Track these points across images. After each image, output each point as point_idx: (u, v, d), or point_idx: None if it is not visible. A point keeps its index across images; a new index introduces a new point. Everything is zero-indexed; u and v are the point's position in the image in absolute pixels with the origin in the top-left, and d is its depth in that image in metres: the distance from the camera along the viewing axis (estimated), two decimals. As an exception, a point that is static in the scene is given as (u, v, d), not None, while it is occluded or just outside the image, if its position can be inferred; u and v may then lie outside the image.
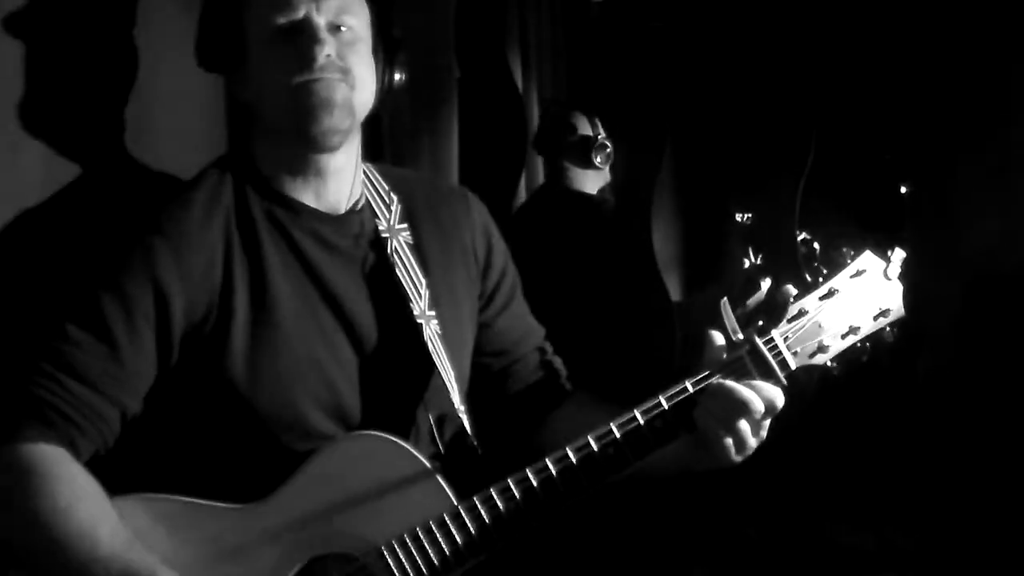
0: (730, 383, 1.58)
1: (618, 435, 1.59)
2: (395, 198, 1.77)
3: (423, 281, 1.72)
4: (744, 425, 1.57)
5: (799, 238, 1.69)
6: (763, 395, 1.58)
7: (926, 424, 3.04)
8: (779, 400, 1.60)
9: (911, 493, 3.02)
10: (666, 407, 1.60)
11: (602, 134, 3.37)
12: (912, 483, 3.02)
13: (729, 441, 1.58)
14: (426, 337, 1.68)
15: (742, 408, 1.57)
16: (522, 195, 3.64)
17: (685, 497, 2.92)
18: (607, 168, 3.41)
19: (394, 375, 1.70)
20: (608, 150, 3.37)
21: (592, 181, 3.41)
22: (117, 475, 1.56)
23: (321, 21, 1.63)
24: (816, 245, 1.70)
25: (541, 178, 3.57)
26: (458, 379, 1.73)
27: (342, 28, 1.65)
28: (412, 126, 2.99)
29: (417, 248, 1.75)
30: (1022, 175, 2.98)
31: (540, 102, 3.66)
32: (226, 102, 2.24)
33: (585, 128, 3.38)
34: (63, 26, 2.02)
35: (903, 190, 3.19)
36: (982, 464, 2.90)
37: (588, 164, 3.36)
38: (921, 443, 3.04)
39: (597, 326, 3.08)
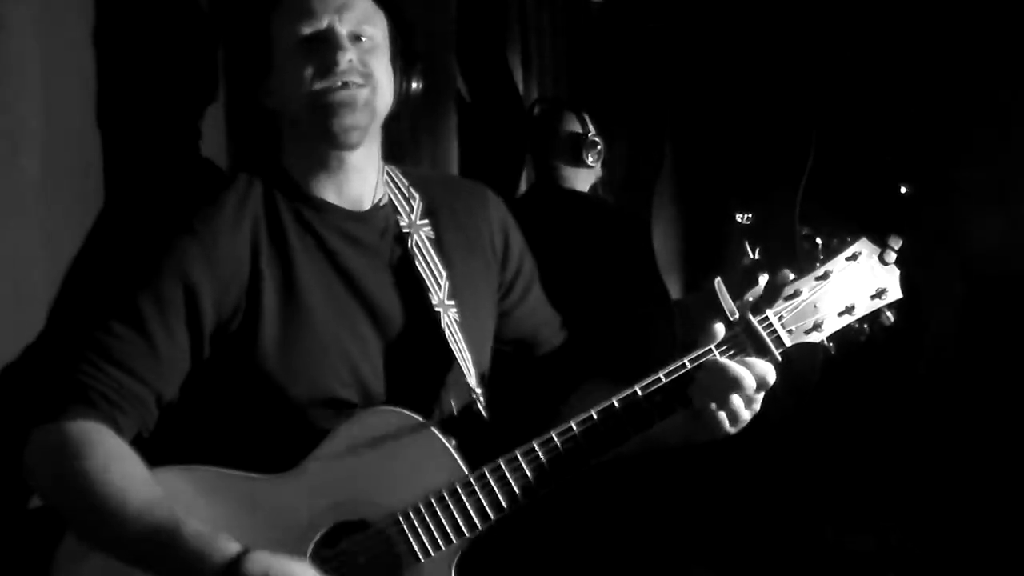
0: (722, 360, 1.66)
1: (619, 408, 1.67)
2: (416, 196, 1.87)
3: (443, 273, 1.82)
4: (736, 399, 1.64)
5: (801, 233, 1.74)
6: (755, 371, 1.65)
7: (926, 424, 3.05)
8: (771, 376, 1.66)
9: (911, 494, 3.03)
10: (665, 382, 1.67)
11: (592, 131, 3.33)
12: (912, 484, 3.03)
13: (722, 414, 1.65)
14: (444, 324, 1.78)
15: (734, 383, 1.64)
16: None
17: (686, 495, 2.92)
18: (598, 166, 3.37)
19: (415, 360, 1.80)
20: (599, 147, 3.32)
21: (583, 179, 3.36)
22: (157, 452, 1.65)
23: (343, 31, 1.74)
24: (818, 240, 1.75)
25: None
26: (476, 364, 1.82)
27: (362, 38, 1.76)
28: (412, 126, 2.99)
29: (438, 242, 1.84)
30: (1022, 176, 2.98)
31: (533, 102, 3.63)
32: (225, 106, 2.25)
33: (574, 126, 3.35)
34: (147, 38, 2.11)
35: (903, 190, 3.20)
36: (982, 464, 2.91)
37: (579, 162, 3.31)
38: (921, 444, 3.05)
39: (596, 325, 3.08)
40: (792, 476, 3.10)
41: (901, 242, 1.72)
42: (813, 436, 3.07)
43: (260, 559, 1.50)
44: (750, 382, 1.63)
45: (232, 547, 1.51)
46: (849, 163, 3.27)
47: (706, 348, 1.67)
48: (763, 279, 1.73)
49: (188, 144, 2.19)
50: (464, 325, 1.81)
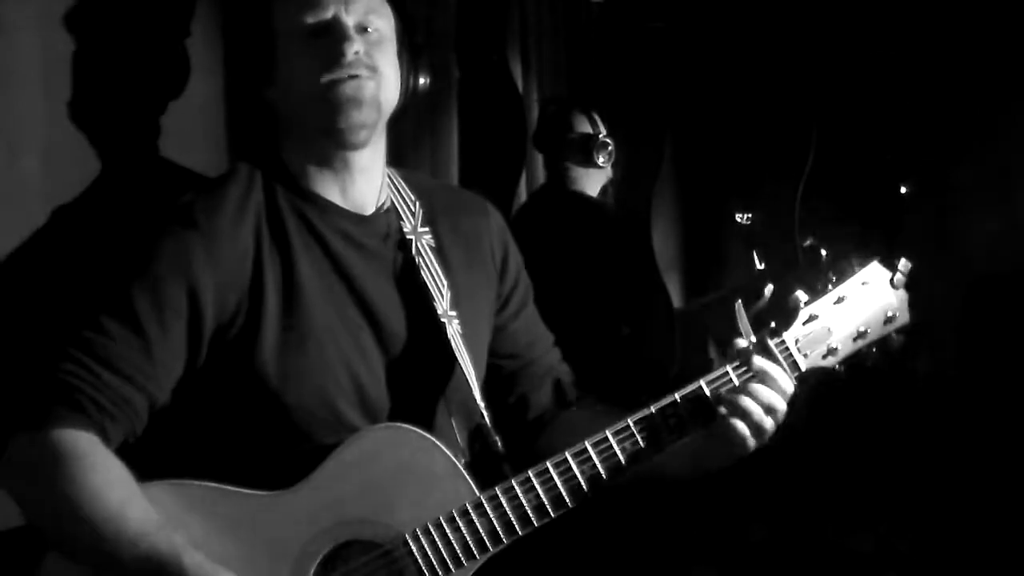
0: (755, 385, 1.64)
1: (635, 431, 1.65)
2: (417, 202, 1.82)
3: (445, 282, 1.77)
4: (768, 422, 1.64)
5: (806, 244, 1.73)
6: (780, 387, 1.65)
7: (926, 425, 3.05)
8: (790, 388, 1.66)
9: (912, 494, 3.03)
10: (680, 403, 1.65)
11: (603, 132, 3.33)
12: (912, 484, 3.03)
13: (743, 427, 1.63)
14: (449, 335, 1.73)
15: (767, 406, 1.63)
16: (522, 195, 3.63)
17: (688, 497, 2.92)
18: (609, 166, 3.37)
19: (419, 371, 1.75)
20: (610, 148, 3.32)
21: (594, 180, 3.36)
22: (147, 463, 1.59)
23: (350, 21, 1.68)
24: (823, 252, 1.74)
25: (542, 178, 3.54)
26: (478, 377, 1.78)
27: (369, 29, 1.70)
28: (412, 126, 2.99)
29: (439, 250, 1.79)
30: (1021, 176, 2.98)
31: (540, 102, 3.63)
32: (226, 103, 2.25)
33: (584, 126, 3.35)
34: (118, 29, 2.08)
35: (903, 190, 3.20)
36: (982, 464, 2.91)
37: (590, 163, 3.32)
38: (921, 443, 3.05)
39: (598, 329, 3.08)
40: (792, 476, 3.09)
41: (911, 266, 1.71)
42: (813, 436, 3.07)
43: None
44: (781, 405, 1.64)
45: None
46: (849, 162, 3.27)
47: (723, 371, 1.66)
48: (768, 290, 1.72)
49: (142, 141, 2.14)
50: (466, 336, 1.76)
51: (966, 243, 3.06)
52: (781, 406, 1.64)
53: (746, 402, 1.63)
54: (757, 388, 1.63)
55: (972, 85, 3.08)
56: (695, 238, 3.54)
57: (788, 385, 1.65)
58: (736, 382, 1.65)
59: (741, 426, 1.63)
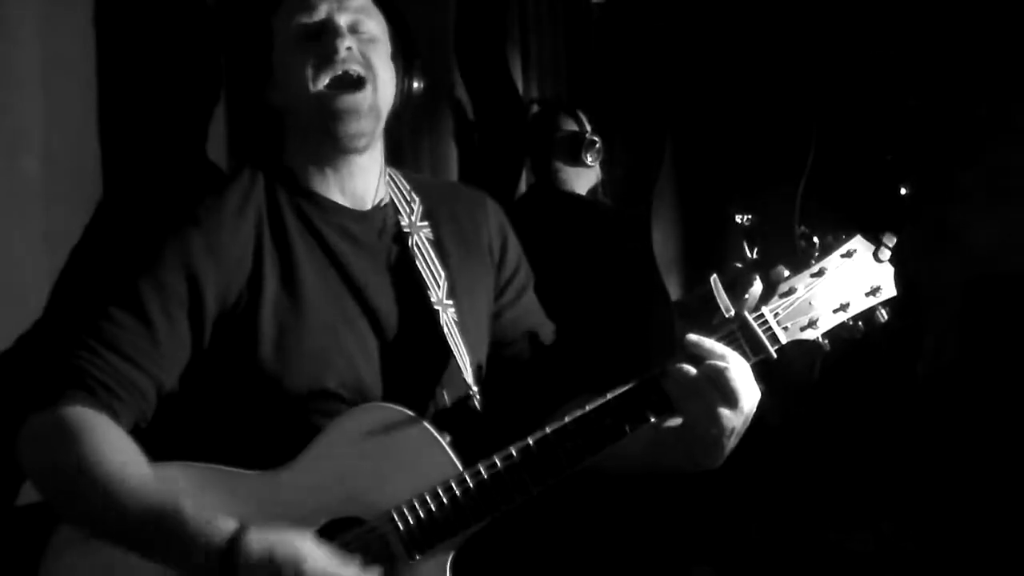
0: (705, 366, 1.61)
1: (588, 411, 1.67)
2: (417, 198, 1.89)
3: (442, 273, 1.84)
4: (712, 393, 1.60)
5: (799, 231, 1.74)
6: (732, 368, 1.61)
7: (926, 424, 3.05)
8: (741, 363, 1.63)
9: (911, 494, 3.03)
10: (634, 385, 1.66)
11: (589, 131, 3.34)
12: (913, 484, 3.03)
13: (700, 412, 1.61)
14: (442, 323, 1.79)
15: (717, 385, 1.60)
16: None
17: (687, 497, 2.92)
18: (597, 165, 3.38)
19: (413, 358, 1.81)
20: (597, 146, 3.33)
21: (583, 179, 3.37)
22: (151, 447, 1.64)
23: (342, 21, 1.77)
24: (815, 239, 1.75)
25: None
26: (473, 363, 1.83)
27: (361, 30, 1.78)
28: (412, 126, 3.00)
29: (437, 243, 1.86)
30: (1022, 177, 2.98)
31: (526, 103, 3.63)
32: (226, 105, 2.26)
33: (571, 126, 3.35)
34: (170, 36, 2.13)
35: (903, 190, 3.20)
36: (982, 464, 2.91)
37: (578, 162, 3.32)
38: (921, 443, 3.05)
39: (595, 329, 3.08)
40: (792, 476, 3.10)
41: (895, 239, 1.72)
42: (813, 436, 3.07)
43: (260, 538, 1.49)
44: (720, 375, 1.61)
45: (230, 525, 1.50)
46: (849, 163, 3.27)
47: (675, 357, 1.64)
48: (758, 280, 1.72)
49: (191, 145, 2.20)
50: (462, 324, 1.82)
51: (966, 243, 3.05)
52: (733, 383, 1.60)
53: (698, 384, 1.61)
54: (706, 369, 1.61)
55: (972, 85, 3.08)
56: (695, 238, 3.54)
57: (738, 362, 1.62)
58: (687, 367, 1.63)
59: (693, 408, 1.62)
